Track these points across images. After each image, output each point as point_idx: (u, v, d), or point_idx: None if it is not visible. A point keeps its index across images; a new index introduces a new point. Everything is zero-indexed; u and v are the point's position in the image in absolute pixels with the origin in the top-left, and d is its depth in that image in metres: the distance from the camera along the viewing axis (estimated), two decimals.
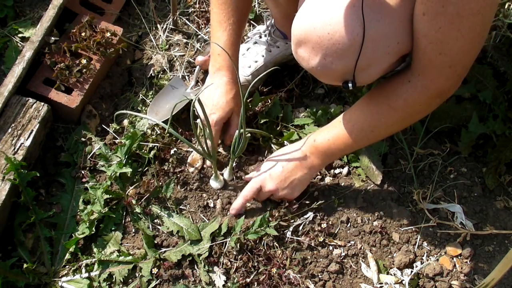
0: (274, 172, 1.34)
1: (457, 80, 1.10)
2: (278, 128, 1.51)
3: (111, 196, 1.38)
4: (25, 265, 1.24)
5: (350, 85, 1.06)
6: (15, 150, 1.35)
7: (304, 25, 1.04)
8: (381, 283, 1.30)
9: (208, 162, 1.45)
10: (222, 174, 1.45)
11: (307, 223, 1.37)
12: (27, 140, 1.36)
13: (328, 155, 1.31)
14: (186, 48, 1.69)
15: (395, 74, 1.16)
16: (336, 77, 1.08)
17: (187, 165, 1.48)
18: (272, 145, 1.49)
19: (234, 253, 1.33)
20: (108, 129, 1.52)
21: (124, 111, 1.28)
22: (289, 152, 1.35)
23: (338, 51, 1.01)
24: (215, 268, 1.31)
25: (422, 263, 1.33)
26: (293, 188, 1.35)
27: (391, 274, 1.32)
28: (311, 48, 1.03)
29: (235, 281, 1.29)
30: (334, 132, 1.27)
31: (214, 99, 1.39)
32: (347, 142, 1.25)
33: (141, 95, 1.59)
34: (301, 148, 1.33)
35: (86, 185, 1.41)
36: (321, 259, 1.33)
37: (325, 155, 1.31)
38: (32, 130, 1.38)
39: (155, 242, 1.35)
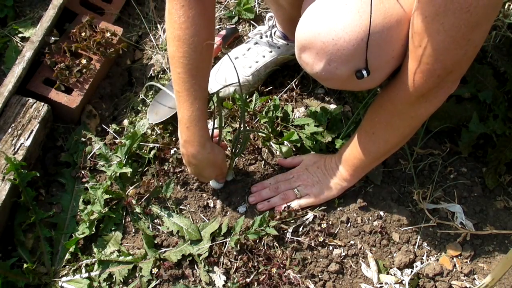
0: (315, 189, 1.38)
1: (437, 82, 1.03)
2: (278, 128, 1.51)
3: (111, 196, 1.38)
4: (25, 265, 1.24)
5: (364, 73, 1.02)
6: (15, 150, 1.35)
7: (308, 30, 1.03)
8: (381, 283, 1.30)
9: None
10: None
11: (307, 223, 1.37)
12: (27, 140, 1.36)
13: (359, 169, 1.34)
14: None
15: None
16: (340, 82, 1.07)
17: None
18: (272, 145, 1.49)
19: (234, 253, 1.33)
20: (108, 129, 1.52)
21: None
22: (328, 174, 1.39)
23: (343, 56, 1.00)
24: (215, 268, 1.31)
25: (422, 263, 1.33)
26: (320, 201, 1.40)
27: (391, 274, 1.32)
28: (316, 54, 1.02)
29: (235, 281, 1.29)
30: (352, 142, 1.30)
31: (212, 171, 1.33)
32: (361, 149, 1.27)
33: (141, 95, 1.59)
34: (340, 168, 1.36)
35: (86, 185, 1.41)
36: (321, 259, 1.33)
37: (355, 169, 1.34)
38: (32, 130, 1.38)
39: (155, 242, 1.35)
